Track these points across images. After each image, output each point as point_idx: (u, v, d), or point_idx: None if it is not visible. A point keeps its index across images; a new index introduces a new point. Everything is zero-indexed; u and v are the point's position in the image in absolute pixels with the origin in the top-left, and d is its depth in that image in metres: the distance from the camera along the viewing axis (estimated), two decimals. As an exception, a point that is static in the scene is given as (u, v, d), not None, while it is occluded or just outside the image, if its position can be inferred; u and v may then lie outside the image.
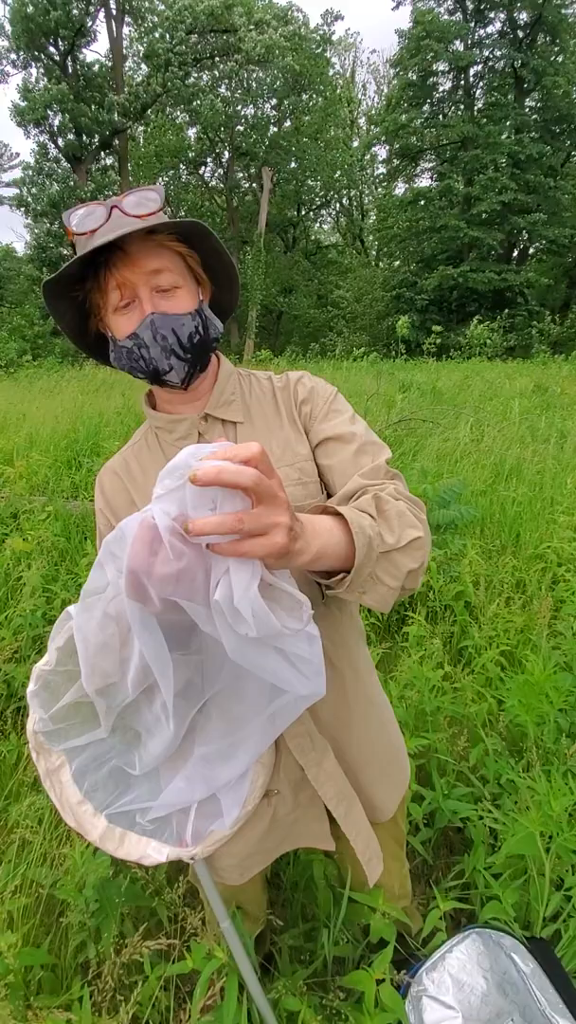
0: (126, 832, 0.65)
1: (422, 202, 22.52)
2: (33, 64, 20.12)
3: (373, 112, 28.23)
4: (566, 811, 1.16)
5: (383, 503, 0.67)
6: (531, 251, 23.12)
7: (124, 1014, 0.85)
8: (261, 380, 0.86)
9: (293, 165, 25.39)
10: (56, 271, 0.68)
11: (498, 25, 21.44)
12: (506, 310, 18.61)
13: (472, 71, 22.03)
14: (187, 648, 0.53)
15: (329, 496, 0.79)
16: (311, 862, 1.17)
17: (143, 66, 21.02)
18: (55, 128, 19.85)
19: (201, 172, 26.96)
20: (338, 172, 26.05)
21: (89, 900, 1.13)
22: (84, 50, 20.43)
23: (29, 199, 19.72)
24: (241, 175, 26.16)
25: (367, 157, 28.72)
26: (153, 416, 0.83)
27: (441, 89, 22.49)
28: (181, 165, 26.20)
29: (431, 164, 23.49)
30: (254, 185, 25.49)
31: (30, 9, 17.80)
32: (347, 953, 1.10)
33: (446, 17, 21.24)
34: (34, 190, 19.81)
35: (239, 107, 23.50)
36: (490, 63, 21.79)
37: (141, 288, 0.69)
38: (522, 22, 20.76)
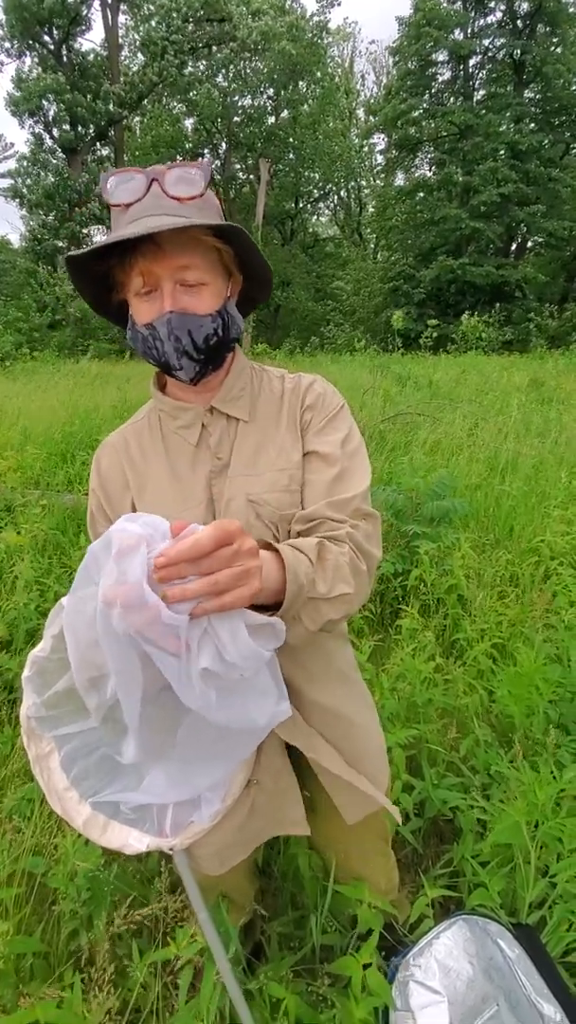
0: (109, 821, 0.66)
1: (421, 193, 22.39)
2: (27, 53, 19.89)
3: (372, 102, 27.99)
4: (552, 799, 1.18)
5: (326, 552, 0.68)
6: (529, 244, 23.03)
7: (114, 1001, 0.87)
8: (273, 379, 0.85)
9: (291, 156, 25.21)
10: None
11: (498, 15, 21.28)
12: (499, 304, 18.57)
13: (472, 61, 21.88)
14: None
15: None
16: (296, 855, 1.18)
17: (139, 55, 20.80)
18: (50, 118, 19.64)
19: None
20: (336, 163, 25.88)
21: (81, 889, 1.14)
22: (79, 39, 20.22)
23: (24, 190, 19.53)
24: (238, 167, 25.97)
25: (365, 148, 28.53)
26: (160, 399, 0.83)
27: (440, 80, 22.34)
28: (178, 156, 25.97)
29: (430, 155, 23.32)
30: (251, 177, 25.31)
31: (24, -3, 17.59)
32: (335, 941, 1.12)
33: (446, 5, 21.05)
34: (29, 181, 19.62)
35: (236, 97, 23.29)
36: (490, 53, 21.63)
37: (165, 281, 0.68)
38: (522, 12, 20.58)
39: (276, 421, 0.81)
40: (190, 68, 21.70)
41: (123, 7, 20.56)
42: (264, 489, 0.76)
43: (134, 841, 0.66)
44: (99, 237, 21.52)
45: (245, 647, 0.49)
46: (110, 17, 20.27)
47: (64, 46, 19.62)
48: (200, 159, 0.69)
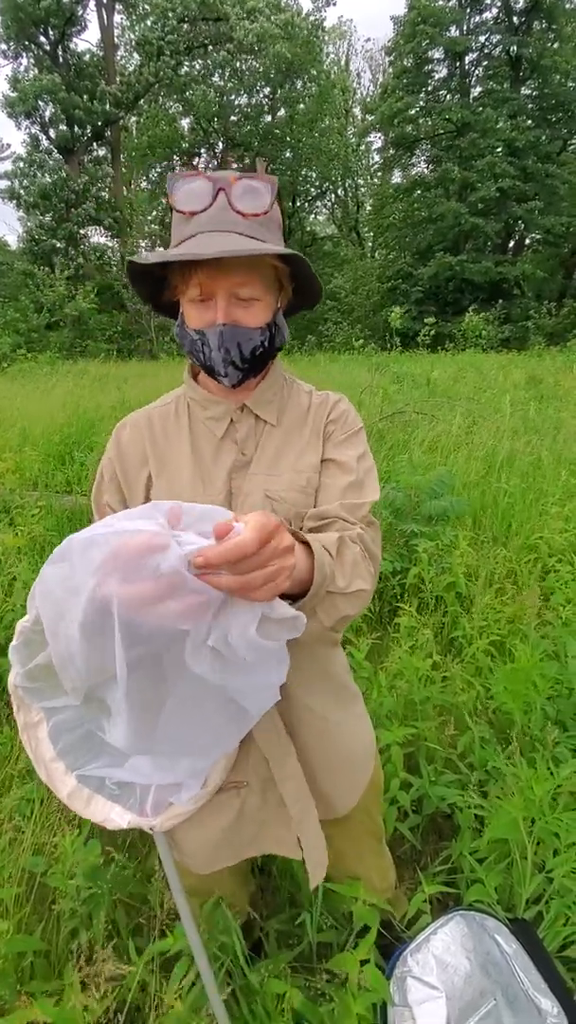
0: (93, 794, 0.68)
1: (418, 191, 22.37)
2: (24, 54, 19.86)
3: (368, 100, 27.96)
4: (549, 795, 1.18)
5: (345, 548, 0.70)
6: (527, 241, 23.01)
7: (111, 999, 0.87)
8: (302, 392, 0.89)
9: (288, 155, 25.19)
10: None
11: (494, 12, 21.24)
12: (500, 301, 18.56)
13: (468, 58, 21.83)
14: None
15: None
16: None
17: (135, 55, 20.77)
18: (46, 119, 19.63)
19: (195, 163, 26.71)
20: (333, 162, 25.87)
21: (81, 888, 1.15)
22: (75, 39, 20.20)
23: (21, 191, 19.52)
24: (236, 166, 25.93)
25: (362, 147, 28.51)
26: (193, 388, 0.85)
27: (437, 77, 22.30)
28: (175, 156, 25.96)
29: (427, 153, 23.29)
30: (248, 176, 25.25)
31: (20, -3, 17.56)
32: (332, 939, 1.12)
33: (441, 3, 21.01)
34: (25, 182, 19.61)
35: (232, 96, 23.28)
36: (486, 50, 21.59)
37: (220, 295, 0.71)
38: (518, 8, 20.54)
39: (300, 430, 0.84)
40: (186, 68, 21.68)
41: (119, 7, 20.51)
42: (282, 487, 0.79)
43: (116, 816, 0.68)
44: (96, 238, 21.53)
45: (252, 641, 0.49)
46: (106, 17, 20.24)
47: (60, 46, 19.59)
48: (273, 177, 0.74)
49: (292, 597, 0.62)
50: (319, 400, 0.88)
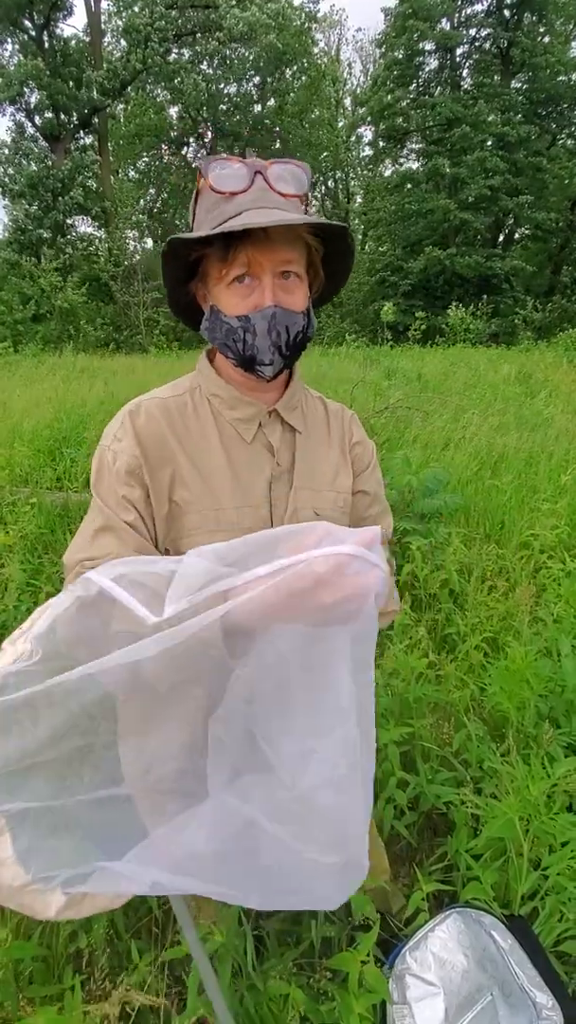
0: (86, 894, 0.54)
1: (408, 186, 22.30)
2: (8, 40, 19.45)
3: (359, 92, 27.77)
4: (544, 794, 1.20)
5: (391, 569, 0.75)
6: (517, 236, 23.06)
7: (114, 1002, 0.87)
8: (313, 398, 0.87)
9: (277, 146, 24.95)
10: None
11: (485, 4, 21.14)
12: (486, 296, 18.61)
13: (459, 51, 21.74)
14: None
15: None
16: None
17: (122, 42, 20.41)
18: (32, 106, 19.27)
19: (183, 152, 26.39)
20: (324, 153, 25.70)
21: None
22: (61, 24, 19.78)
23: (6, 179, 19.16)
24: (226, 156, 25.63)
25: (352, 138, 28.34)
26: (218, 385, 0.78)
27: (427, 69, 22.19)
28: (163, 145, 25.60)
29: (418, 146, 23.20)
30: (238, 167, 24.98)
31: (4, -19, 17.17)
32: (334, 933, 1.13)
33: (432, -6, 20.86)
34: (11, 170, 19.25)
35: (221, 85, 22.98)
36: (476, 43, 21.51)
37: (268, 274, 0.68)
38: (509, 2, 20.47)
39: (327, 442, 0.83)
40: (174, 55, 21.36)
41: (105, -8, 20.15)
42: (327, 505, 0.80)
43: (125, 889, 0.54)
44: (83, 228, 21.19)
45: None
46: (92, 2, 19.84)
47: (45, 32, 19.19)
48: (304, 164, 0.74)
49: None
50: (334, 410, 0.87)
